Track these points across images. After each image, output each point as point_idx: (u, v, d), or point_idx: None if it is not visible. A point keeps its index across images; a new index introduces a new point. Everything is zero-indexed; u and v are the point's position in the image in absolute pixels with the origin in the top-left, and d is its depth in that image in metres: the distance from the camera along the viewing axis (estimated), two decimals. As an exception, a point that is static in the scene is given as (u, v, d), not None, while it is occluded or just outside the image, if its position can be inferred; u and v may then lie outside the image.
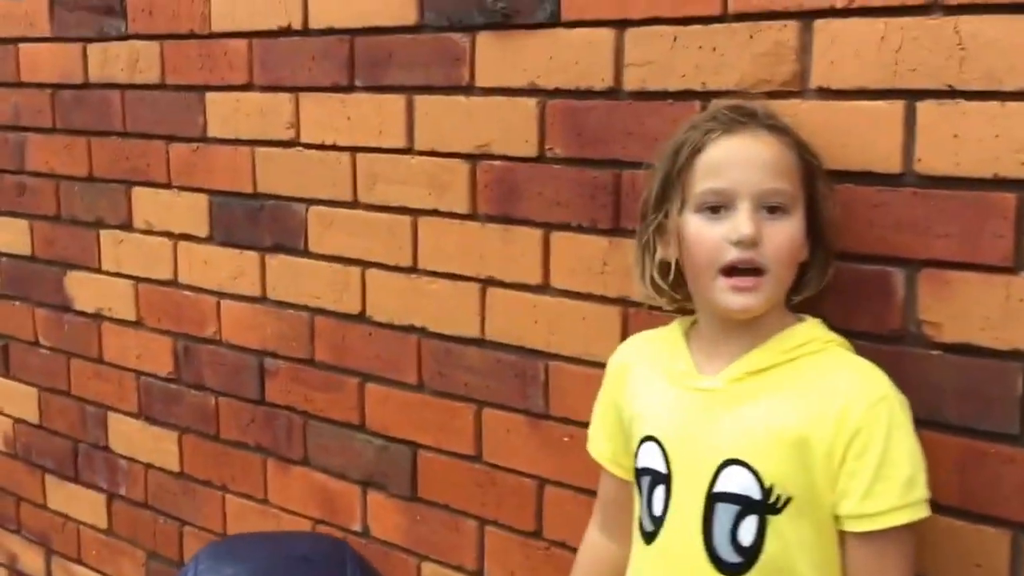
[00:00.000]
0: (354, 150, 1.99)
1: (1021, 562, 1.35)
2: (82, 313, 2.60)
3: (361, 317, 2.03)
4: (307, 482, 2.18)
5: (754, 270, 1.29)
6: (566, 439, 1.77)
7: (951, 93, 1.32)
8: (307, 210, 2.08)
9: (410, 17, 1.86)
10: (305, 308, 2.12)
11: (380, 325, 2.00)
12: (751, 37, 1.47)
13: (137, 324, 2.48)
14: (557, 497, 1.80)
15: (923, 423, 1.30)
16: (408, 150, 1.90)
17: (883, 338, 1.42)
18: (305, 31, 2.03)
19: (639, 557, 1.43)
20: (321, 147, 2.04)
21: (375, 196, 1.96)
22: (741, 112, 1.33)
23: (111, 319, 2.54)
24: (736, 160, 1.30)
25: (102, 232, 2.51)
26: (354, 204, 2.00)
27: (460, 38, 1.80)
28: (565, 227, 1.72)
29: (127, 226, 2.46)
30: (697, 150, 1.31)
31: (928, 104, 1.34)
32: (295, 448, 2.19)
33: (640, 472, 1.41)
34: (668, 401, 1.39)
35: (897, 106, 1.37)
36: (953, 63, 1.31)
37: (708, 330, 1.39)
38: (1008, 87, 1.28)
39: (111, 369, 2.55)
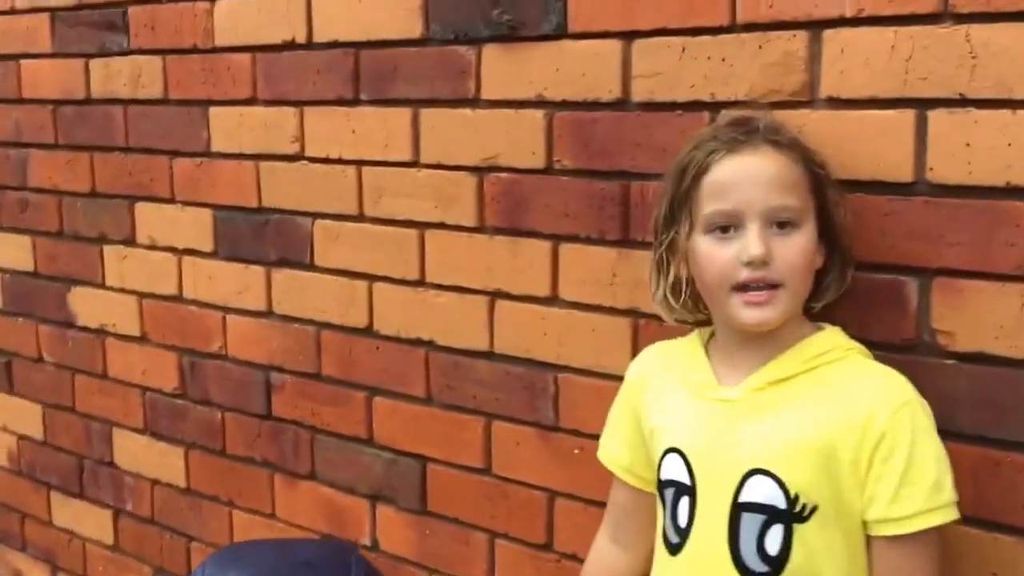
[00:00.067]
0: (360, 164, 1.98)
1: (1037, 570, 1.35)
2: (86, 329, 2.60)
3: (368, 331, 2.03)
4: (315, 496, 2.17)
5: (768, 285, 1.29)
6: (576, 451, 1.77)
7: (962, 102, 1.32)
8: (313, 224, 2.08)
9: (415, 30, 1.86)
10: (311, 322, 2.12)
11: (387, 339, 2.00)
12: (760, 47, 1.47)
13: (142, 340, 2.47)
14: (567, 509, 1.80)
15: (937, 432, 1.30)
16: (414, 163, 1.90)
17: (897, 347, 1.42)
18: (309, 45, 2.03)
19: (664, 569, 1.42)
20: (326, 161, 2.04)
21: (381, 210, 1.96)
22: (743, 129, 1.33)
23: (115, 335, 2.53)
24: (741, 180, 1.30)
25: (105, 248, 2.51)
26: (360, 218, 2.00)
27: (466, 51, 1.80)
28: (573, 239, 1.72)
29: (130, 241, 2.46)
30: (702, 172, 1.32)
31: (939, 113, 1.35)
32: (302, 463, 2.19)
33: (664, 484, 1.41)
34: (690, 413, 1.39)
35: (908, 115, 1.37)
36: (964, 72, 1.31)
37: (726, 341, 1.39)
38: (1020, 95, 1.28)
39: (116, 385, 2.55)
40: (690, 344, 1.46)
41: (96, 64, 2.44)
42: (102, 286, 2.53)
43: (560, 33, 1.67)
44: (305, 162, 2.07)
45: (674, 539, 1.39)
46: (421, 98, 1.87)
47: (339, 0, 1.96)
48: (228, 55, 2.17)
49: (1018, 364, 1.34)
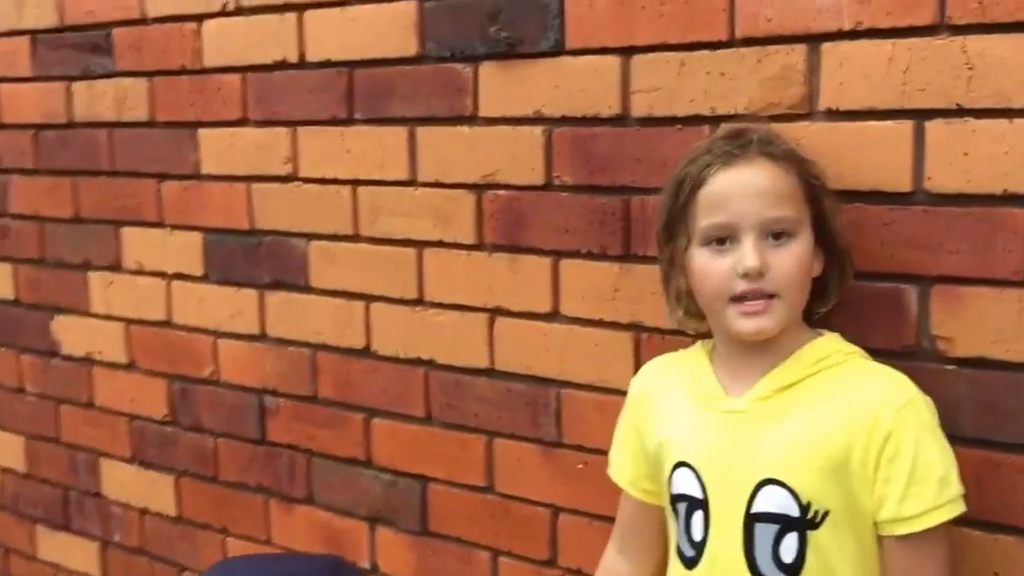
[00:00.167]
0: (355, 183, 2.04)
1: (1039, 570, 1.43)
2: (70, 358, 2.63)
3: (366, 351, 2.08)
4: (312, 521, 2.22)
5: (764, 295, 1.35)
6: (580, 466, 1.82)
7: (959, 112, 1.40)
8: (307, 245, 2.13)
9: (411, 48, 1.92)
10: (307, 344, 2.17)
11: (385, 359, 2.05)
12: (759, 61, 1.55)
13: (129, 367, 2.51)
14: (571, 525, 1.85)
15: (939, 434, 1.37)
16: (411, 182, 1.96)
17: (897, 354, 1.48)
18: (302, 64, 2.09)
19: None
20: (321, 181, 2.09)
21: (378, 229, 2.02)
22: (737, 142, 1.39)
23: (101, 363, 2.57)
24: (736, 193, 1.36)
25: (90, 274, 2.55)
26: (356, 238, 2.05)
27: (463, 68, 1.86)
28: (574, 254, 1.78)
29: (116, 267, 2.50)
30: (697, 186, 1.38)
31: (937, 123, 1.42)
32: (298, 487, 2.23)
33: (675, 498, 1.46)
34: (697, 425, 1.45)
35: (906, 126, 1.44)
36: (961, 82, 1.39)
37: (728, 352, 1.45)
38: (1016, 104, 1.35)
39: (102, 414, 2.58)
40: (694, 355, 1.52)
41: (79, 87, 2.49)
42: (87, 313, 2.57)
43: (558, 50, 1.74)
44: (299, 183, 2.13)
45: (689, 552, 1.44)
46: (418, 116, 1.93)
47: (332, 20, 2.02)
48: (218, 76, 2.23)
49: (1017, 368, 1.41)
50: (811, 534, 1.34)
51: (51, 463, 2.72)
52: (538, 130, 1.79)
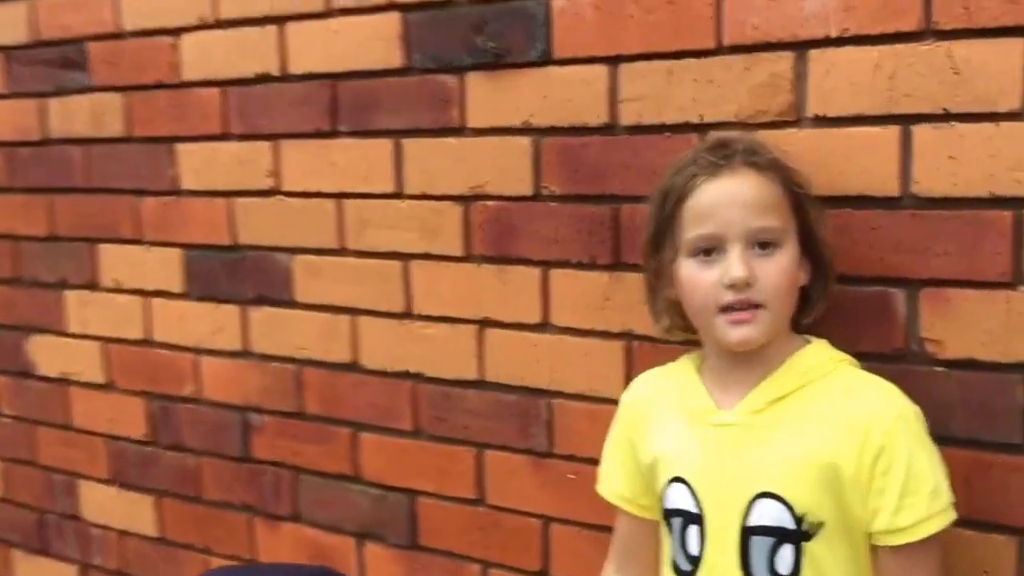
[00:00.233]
0: (340, 196, 2.07)
1: (1028, 567, 1.48)
2: (46, 378, 2.64)
3: (352, 366, 2.11)
4: (298, 538, 2.24)
5: (751, 305, 1.39)
6: (571, 476, 1.86)
7: (946, 116, 1.45)
8: (291, 259, 2.16)
9: (395, 60, 1.96)
10: (292, 360, 2.19)
11: (373, 373, 2.08)
12: (747, 69, 1.60)
13: (107, 387, 2.52)
14: (563, 535, 1.89)
15: (930, 437, 1.40)
16: (398, 194, 1.99)
17: (887, 357, 1.53)
18: (284, 77, 2.11)
19: None
20: (304, 195, 2.12)
21: (364, 242, 2.05)
22: (721, 153, 1.43)
23: (78, 383, 2.58)
24: (721, 204, 1.39)
25: (67, 293, 2.56)
26: (342, 251, 2.08)
27: (449, 79, 1.90)
28: (564, 264, 1.82)
29: (93, 285, 2.51)
30: (683, 197, 1.42)
31: (924, 128, 1.47)
32: (284, 504, 2.25)
33: (670, 513, 1.50)
34: (691, 440, 1.48)
35: (893, 131, 1.50)
36: (947, 87, 1.44)
37: (718, 362, 1.49)
38: (1002, 108, 1.41)
39: (80, 435, 2.59)
40: (682, 368, 1.55)
41: (53, 103, 2.50)
42: (63, 333, 2.58)
43: (546, 60, 1.78)
44: (281, 197, 2.15)
45: (685, 567, 1.47)
46: (403, 128, 1.97)
47: (314, 32, 2.06)
48: (197, 90, 2.25)
49: (1006, 368, 1.46)
50: (806, 546, 1.38)
51: (28, 486, 2.72)
52: (526, 140, 1.83)
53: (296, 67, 2.10)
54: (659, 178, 1.49)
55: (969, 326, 1.48)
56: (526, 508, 1.92)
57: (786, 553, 1.38)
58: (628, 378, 1.74)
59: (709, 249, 1.40)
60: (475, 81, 1.87)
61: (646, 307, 1.57)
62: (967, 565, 1.50)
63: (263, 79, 2.14)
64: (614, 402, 1.64)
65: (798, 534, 1.38)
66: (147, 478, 2.48)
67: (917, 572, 1.39)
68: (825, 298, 1.50)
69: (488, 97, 1.86)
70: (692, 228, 1.41)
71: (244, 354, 2.27)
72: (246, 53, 2.15)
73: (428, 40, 1.92)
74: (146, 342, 2.44)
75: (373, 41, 1.98)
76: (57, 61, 2.48)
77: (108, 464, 2.55)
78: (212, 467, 2.36)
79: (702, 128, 1.64)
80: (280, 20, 2.10)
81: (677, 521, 1.48)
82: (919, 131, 1.48)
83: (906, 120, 1.48)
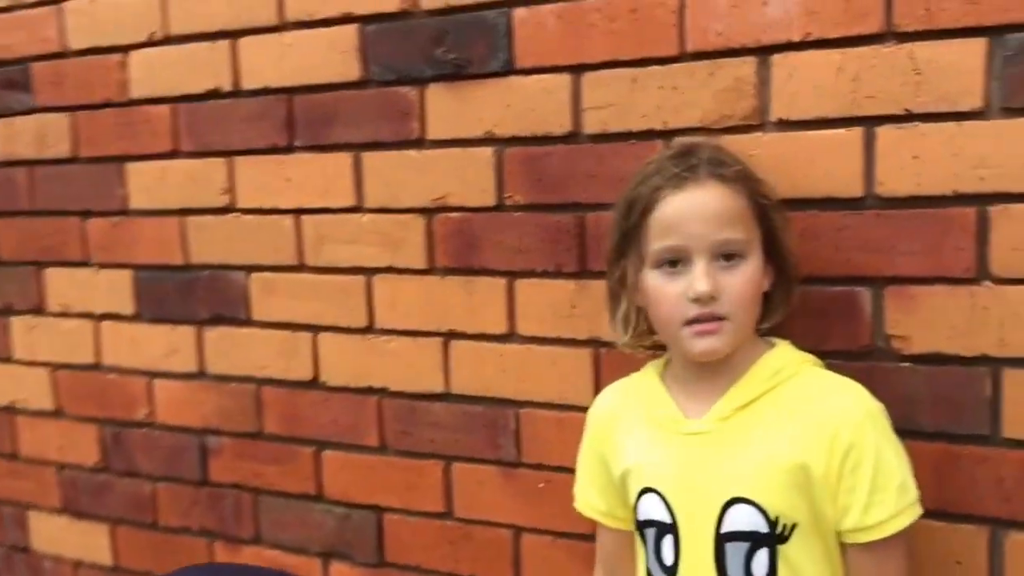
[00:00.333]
0: (298, 212, 2.07)
1: (998, 554, 1.53)
2: (-10, 407, 2.60)
3: (314, 383, 2.11)
4: (261, 560, 2.22)
5: (716, 317, 1.42)
6: (541, 485, 1.88)
7: (909, 117, 1.50)
8: (248, 278, 2.16)
9: (353, 73, 1.97)
10: (251, 380, 2.19)
11: (335, 390, 2.08)
12: (711, 75, 1.63)
13: (57, 414, 2.49)
14: (535, 544, 1.90)
15: (898, 432, 1.44)
16: (357, 208, 2.00)
17: (854, 354, 1.58)
18: (236, 93, 2.11)
19: None
20: (261, 211, 2.12)
21: (323, 258, 2.05)
22: (686, 164, 1.44)
23: (25, 411, 2.54)
24: (687, 217, 1.42)
25: (12, 319, 2.53)
26: (300, 268, 2.08)
27: (408, 91, 1.91)
28: (529, 274, 1.84)
29: (39, 310, 2.48)
30: (648, 209, 1.44)
31: (887, 129, 1.52)
32: (245, 527, 2.24)
33: (643, 524, 1.52)
34: (661, 450, 1.50)
35: (856, 133, 1.54)
36: (909, 88, 1.49)
37: (684, 370, 1.52)
38: (964, 107, 1.46)
39: (28, 465, 2.55)
40: (646, 378, 1.58)
41: (-5, 125, 2.48)
42: (9, 360, 2.55)
43: (508, 70, 1.81)
44: (237, 214, 2.15)
45: None
46: (363, 141, 1.98)
47: (267, 46, 2.06)
48: (146, 108, 2.24)
49: (971, 362, 1.51)
50: (781, 548, 1.41)
51: (-28, 520, 2.68)
52: (489, 151, 1.85)
53: (250, 82, 2.10)
54: (624, 186, 1.51)
55: (934, 322, 1.53)
56: (496, 519, 1.93)
57: (761, 557, 1.41)
58: (597, 385, 1.77)
59: (674, 260, 1.42)
60: (436, 93, 1.89)
61: (609, 319, 1.58)
62: (940, 556, 1.55)
63: (215, 95, 2.14)
64: (583, 409, 1.66)
65: (772, 537, 1.40)
66: (100, 506, 2.45)
67: (887, 566, 1.42)
68: (787, 303, 1.53)
69: (449, 108, 1.88)
70: (657, 240, 1.43)
71: (200, 375, 2.26)
72: (197, 69, 2.15)
73: (386, 52, 1.93)
74: (96, 367, 2.41)
75: (329, 54, 1.99)
76: (0, 82, 2.46)
77: (59, 493, 2.51)
78: (168, 492, 2.34)
79: (667, 135, 1.67)
80: (233, 35, 2.10)
81: (651, 532, 1.50)
82: (882, 132, 1.52)
83: (869, 121, 1.53)
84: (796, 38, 1.56)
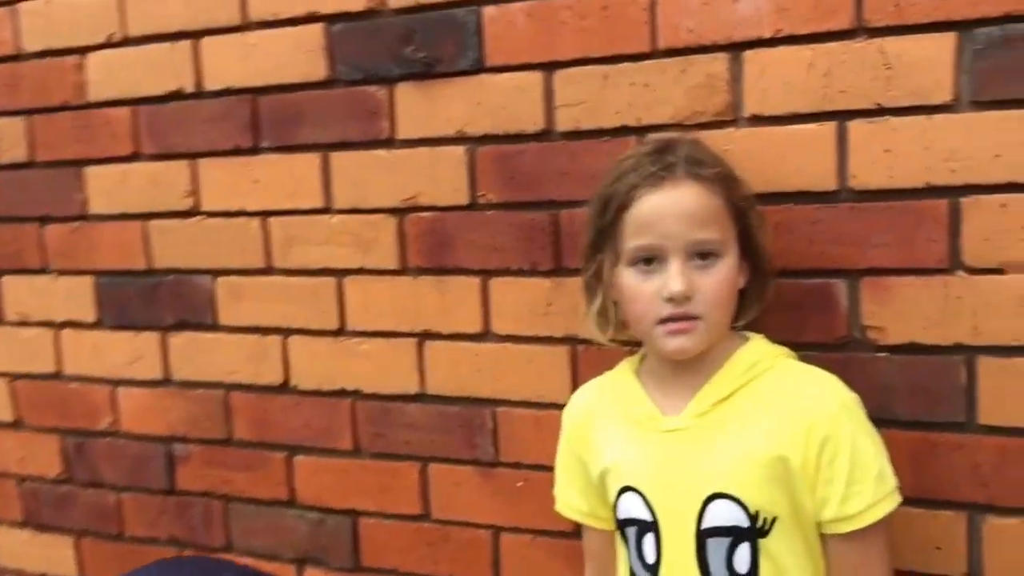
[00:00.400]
0: (265, 214, 2.09)
1: (976, 539, 1.58)
2: (-55, 420, 2.59)
3: (284, 387, 2.12)
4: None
5: (690, 317, 1.46)
6: (519, 484, 1.91)
7: (880, 111, 1.55)
8: (214, 282, 2.17)
9: (320, 72, 1.99)
10: (218, 385, 2.20)
11: (306, 393, 2.10)
12: (683, 71, 1.68)
13: (16, 425, 2.48)
14: (514, 544, 1.94)
15: (875, 421, 1.49)
16: (326, 209, 2.02)
17: (831, 346, 1.63)
18: (199, 94, 2.12)
19: None
20: (226, 214, 2.13)
21: (292, 260, 2.07)
22: (663, 162, 1.47)
23: (-17, 423, 2.54)
24: (662, 216, 1.44)
25: (-33, 329, 2.52)
26: (269, 270, 2.10)
27: (376, 90, 1.94)
28: (504, 272, 1.87)
29: (-4, 320, 2.48)
30: (624, 207, 1.47)
31: (859, 123, 1.57)
32: (215, 535, 2.25)
33: (623, 523, 1.55)
34: (640, 448, 1.53)
35: (829, 127, 1.59)
36: (880, 82, 1.54)
37: (659, 366, 1.56)
38: (935, 100, 1.52)
39: (-13, 477, 2.55)
40: (621, 376, 1.61)
41: (-55, 131, 2.46)
42: (-35, 371, 2.54)
43: (478, 68, 1.84)
44: (201, 217, 2.16)
45: (643, 575, 1.54)
46: (330, 142, 2.00)
47: (230, 45, 2.07)
48: (105, 110, 2.24)
49: (946, 351, 1.57)
50: (762, 542, 1.45)
51: (-70, 535, 2.66)
52: (460, 149, 1.88)
53: (213, 83, 2.11)
54: (599, 181, 1.55)
55: (909, 312, 1.58)
56: (474, 519, 1.96)
57: (743, 552, 1.45)
58: (574, 382, 1.81)
59: (649, 259, 1.46)
60: (405, 92, 1.91)
61: (586, 315, 1.61)
62: (920, 542, 1.61)
63: (177, 96, 2.15)
64: (561, 407, 1.70)
65: (753, 531, 1.44)
66: (64, 518, 2.45)
67: (867, 556, 1.47)
68: (762, 299, 1.57)
69: (419, 107, 1.90)
70: (633, 238, 1.46)
71: (165, 382, 2.27)
72: (158, 70, 2.16)
73: (353, 51, 1.95)
74: (57, 376, 2.41)
75: (295, 53, 2.00)
76: (-51, 86, 2.44)
77: (21, 506, 2.50)
78: (134, 502, 2.35)
79: (640, 131, 1.71)
80: (194, 35, 2.11)
81: (632, 530, 1.54)
82: (854, 126, 1.57)
83: (841, 116, 1.58)
84: (767, 34, 1.61)
